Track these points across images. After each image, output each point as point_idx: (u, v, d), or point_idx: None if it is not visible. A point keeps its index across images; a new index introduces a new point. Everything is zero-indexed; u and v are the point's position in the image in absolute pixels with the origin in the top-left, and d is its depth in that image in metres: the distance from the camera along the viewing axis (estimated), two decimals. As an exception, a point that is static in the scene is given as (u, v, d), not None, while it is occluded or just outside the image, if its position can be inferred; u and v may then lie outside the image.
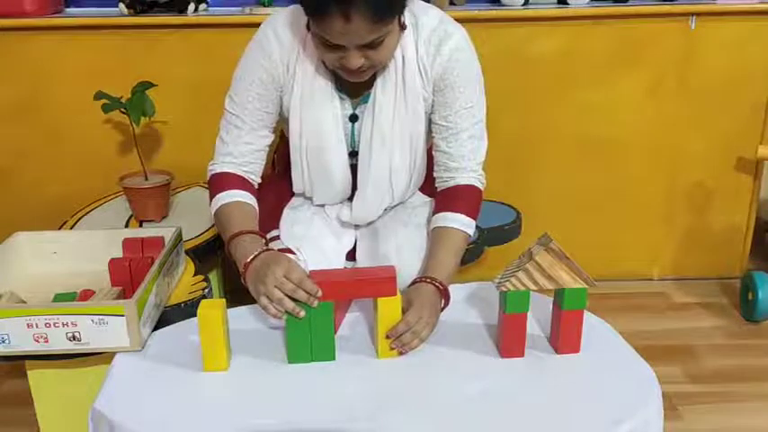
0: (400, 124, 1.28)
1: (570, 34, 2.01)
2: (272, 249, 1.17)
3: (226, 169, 1.28)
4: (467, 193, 1.29)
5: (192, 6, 2.01)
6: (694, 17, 2.00)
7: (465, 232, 1.26)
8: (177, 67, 1.96)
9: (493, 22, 1.98)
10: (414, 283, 1.18)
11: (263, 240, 1.20)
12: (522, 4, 2.01)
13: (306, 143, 1.30)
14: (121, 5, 1.99)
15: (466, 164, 1.29)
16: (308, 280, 1.04)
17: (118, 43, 1.97)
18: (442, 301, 1.16)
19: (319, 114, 1.28)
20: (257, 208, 1.28)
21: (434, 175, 1.33)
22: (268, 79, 1.26)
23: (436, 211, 1.29)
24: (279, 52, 1.24)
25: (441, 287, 1.16)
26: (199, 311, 1.01)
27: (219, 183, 1.27)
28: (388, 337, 1.06)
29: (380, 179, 1.32)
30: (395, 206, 1.41)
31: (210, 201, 1.27)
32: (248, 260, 1.13)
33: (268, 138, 1.31)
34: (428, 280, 1.16)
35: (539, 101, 2.08)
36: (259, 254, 1.13)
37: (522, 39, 2.01)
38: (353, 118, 1.31)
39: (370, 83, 1.26)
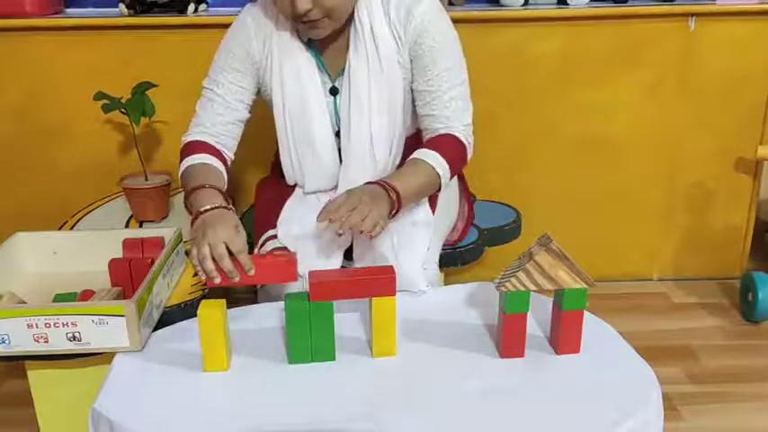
0: (377, 90, 1.29)
1: (570, 34, 2.01)
2: (231, 209, 1.16)
3: (197, 138, 1.30)
4: (444, 139, 1.29)
5: (191, 6, 2.02)
6: (694, 17, 2.00)
7: (431, 165, 1.24)
8: (177, 67, 1.96)
9: (493, 22, 1.99)
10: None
11: (223, 197, 1.19)
12: (522, 5, 2.01)
13: (289, 116, 1.32)
14: (121, 5, 1.99)
15: (451, 123, 1.29)
16: (245, 254, 1.05)
17: (118, 43, 1.97)
18: (389, 204, 1.15)
19: (300, 85, 1.30)
20: (225, 173, 1.29)
21: (423, 141, 1.33)
22: (242, 54, 1.30)
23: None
24: (254, 30, 1.30)
25: (385, 185, 1.15)
26: (199, 311, 1.01)
27: (188, 149, 1.29)
28: (322, 218, 1.07)
29: (361, 145, 1.32)
30: None
31: (179, 168, 1.28)
32: (202, 209, 1.13)
33: (241, 112, 1.33)
34: (378, 182, 1.17)
35: (539, 101, 2.08)
36: (214, 208, 1.13)
37: (522, 39, 2.01)
38: (334, 91, 1.33)
39: (345, 54, 1.29)
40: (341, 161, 1.36)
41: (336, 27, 1.24)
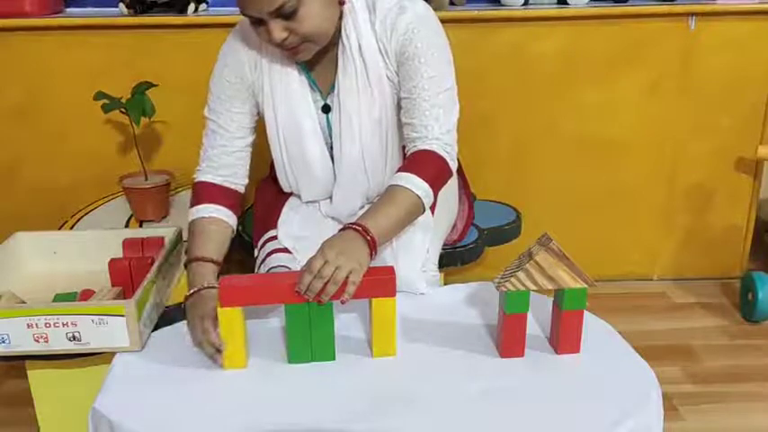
0: (368, 106, 1.28)
1: (570, 34, 2.01)
2: (214, 287, 1.16)
3: (204, 178, 1.31)
4: (421, 157, 1.24)
5: (192, 6, 2.02)
6: (694, 17, 2.00)
7: (409, 189, 1.19)
8: (177, 67, 1.96)
9: (493, 22, 1.98)
10: None
11: (214, 267, 1.21)
12: (522, 4, 2.01)
13: (283, 135, 1.32)
14: (121, 5, 2.00)
15: (427, 132, 1.24)
16: (207, 338, 1.06)
17: (118, 43, 1.97)
18: (366, 245, 1.10)
19: (293, 105, 1.29)
20: (229, 218, 1.29)
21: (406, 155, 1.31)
22: (236, 80, 1.29)
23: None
24: (244, 52, 1.29)
25: (358, 228, 1.11)
26: (219, 309, 1.02)
27: (197, 193, 1.30)
28: (297, 292, 1.03)
29: (353, 162, 1.32)
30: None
31: (189, 212, 1.29)
32: (188, 293, 1.16)
33: (245, 139, 1.33)
34: (348, 225, 1.13)
35: (539, 101, 2.08)
36: (196, 291, 1.15)
37: (522, 39, 2.01)
38: (326, 108, 1.32)
39: (335, 71, 1.28)
40: (335, 174, 1.36)
41: (320, 48, 1.23)
